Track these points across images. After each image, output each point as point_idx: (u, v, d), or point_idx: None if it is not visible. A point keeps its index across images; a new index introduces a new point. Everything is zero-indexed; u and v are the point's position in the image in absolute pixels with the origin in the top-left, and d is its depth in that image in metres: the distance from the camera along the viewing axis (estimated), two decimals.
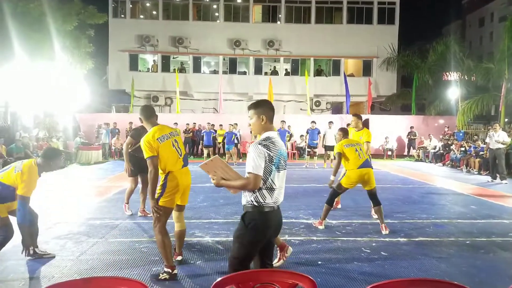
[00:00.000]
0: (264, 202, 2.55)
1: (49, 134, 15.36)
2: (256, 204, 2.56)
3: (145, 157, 3.64)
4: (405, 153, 18.64)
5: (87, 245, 4.76)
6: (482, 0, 42.63)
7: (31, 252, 4.21)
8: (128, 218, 6.16)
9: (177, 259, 4.15)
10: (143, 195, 6.20)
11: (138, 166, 5.92)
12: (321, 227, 5.64)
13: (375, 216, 6.18)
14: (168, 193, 3.71)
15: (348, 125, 14.24)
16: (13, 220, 3.98)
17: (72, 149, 15.51)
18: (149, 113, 3.92)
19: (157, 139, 3.65)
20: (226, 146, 14.48)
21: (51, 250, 4.50)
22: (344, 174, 5.74)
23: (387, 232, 5.40)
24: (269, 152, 2.53)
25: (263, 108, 2.71)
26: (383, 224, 5.50)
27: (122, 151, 16.93)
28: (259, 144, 2.55)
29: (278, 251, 4.20)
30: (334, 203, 6.84)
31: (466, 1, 46.59)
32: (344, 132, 5.88)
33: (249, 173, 2.50)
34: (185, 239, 4.33)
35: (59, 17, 15.15)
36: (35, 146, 13.39)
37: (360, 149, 5.59)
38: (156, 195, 3.69)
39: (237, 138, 15.04)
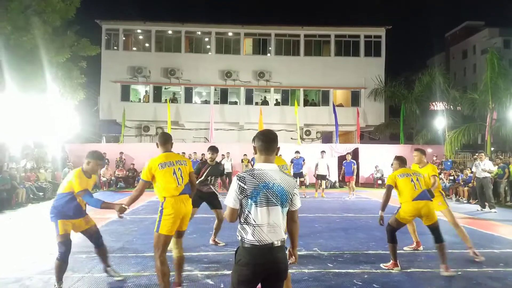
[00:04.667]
0: (246, 238, 2.43)
1: (37, 165, 15.15)
2: (240, 238, 2.48)
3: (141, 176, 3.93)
4: None
5: (72, 281, 4.62)
6: (464, 34, 44.44)
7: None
8: (115, 251, 6.02)
9: None
10: (217, 228, 6.37)
11: (201, 198, 6.10)
12: (397, 268, 5.06)
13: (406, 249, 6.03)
14: (165, 221, 3.78)
15: (347, 154, 14.46)
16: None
17: (60, 180, 15.28)
18: (163, 140, 4.16)
19: (159, 164, 3.87)
20: None
21: (34, 286, 4.35)
22: (399, 208, 5.22)
23: (448, 273, 4.84)
24: (242, 184, 2.43)
25: (255, 140, 2.65)
26: (444, 264, 4.91)
27: (111, 181, 16.93)
28: (237, 175, 2.51)
29: None
30: (415, 244, 6.27)
31: (449, 34, 48.49)
32: (401, 161, 5.41)
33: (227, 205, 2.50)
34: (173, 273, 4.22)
35: (52, 49, 15.31)
36: (22, 177, 13.17)
37: (417, 180, 5.07)
38: (156, 224, 3.83)
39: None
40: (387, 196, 5.11)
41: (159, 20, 24.37)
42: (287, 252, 2.65)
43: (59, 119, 16.43)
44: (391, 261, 5.15)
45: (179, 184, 3.90)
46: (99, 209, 4.19)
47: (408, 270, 5.14)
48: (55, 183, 14.76)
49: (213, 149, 6.11)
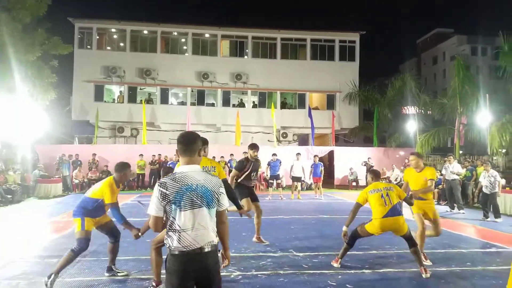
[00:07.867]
0: (172, 245, 2.37)
1: (5, 167, 14.58)
2: (167, 246, 2.42)
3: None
4: (364, 183, 18.95)
5: (42, 286, 4.48)
6: (434, 40, 46.00)
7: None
8: (88, 255, 5.87)
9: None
10: (258, 224, 6.73)
11: (248, 193, 6.54)
12: (336, 265, 5.34)
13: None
14: None
15: (315, 156, 14.80)
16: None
17: (30, 182, 14.78)
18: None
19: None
20: None
21: None
22: (370, 220, 5.19)
23: (428, 275, 4.89)
24: (163, 190, 2.36)
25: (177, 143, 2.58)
26: (422, 267, 4.99)
27: (83, 183, 16.47)
28: (158, 181, 2.43)
29: None
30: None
31: (420, 41, 50.06)
32: (374, 174, 5.34)
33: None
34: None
35: (21, 47, 14.77)
36: None
37: (387, 195, 4.99)
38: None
39: None
40: (353, 213, 5.15)
41: (134, 19, 24.00)
42: (219, 254, 2.59)
43: (29, 119, 15.87)
44: (336, 257, 5.47)
45: None
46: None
47: (381, 271, 5.28)
48: (24, 185, 14.27)
49: (255, 147, 6.71)
